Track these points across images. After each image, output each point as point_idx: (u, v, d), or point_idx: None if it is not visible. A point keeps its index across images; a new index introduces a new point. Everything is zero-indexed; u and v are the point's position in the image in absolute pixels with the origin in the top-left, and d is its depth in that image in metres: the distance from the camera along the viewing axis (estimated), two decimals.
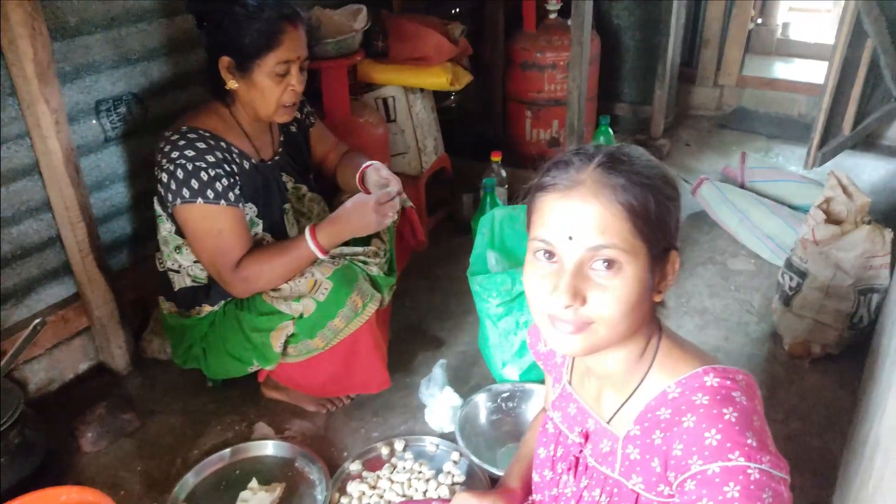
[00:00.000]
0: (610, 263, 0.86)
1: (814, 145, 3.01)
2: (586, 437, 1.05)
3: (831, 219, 2.14)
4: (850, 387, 2.02)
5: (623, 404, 0.99)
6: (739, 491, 0.81)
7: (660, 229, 0.89)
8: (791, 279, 2.16)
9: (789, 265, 2.18)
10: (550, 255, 0.90)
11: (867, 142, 3.52)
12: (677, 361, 0.96)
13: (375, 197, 1.78)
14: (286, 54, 1.70)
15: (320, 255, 1.76)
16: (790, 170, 3.19)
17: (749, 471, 0.82)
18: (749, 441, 0.84)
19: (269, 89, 1.73)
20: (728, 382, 0.90)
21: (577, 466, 1.06)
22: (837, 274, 2.05)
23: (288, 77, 1.73)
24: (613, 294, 0.87)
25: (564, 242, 0.88)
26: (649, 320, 0.96)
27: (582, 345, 0.91)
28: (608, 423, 1.01)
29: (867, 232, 2.02)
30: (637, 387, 0.97)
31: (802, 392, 2.04)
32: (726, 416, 0.86)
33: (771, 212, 2.70)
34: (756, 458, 0.83)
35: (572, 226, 0.87)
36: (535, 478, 1.16)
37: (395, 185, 1.85)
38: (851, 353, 2.12)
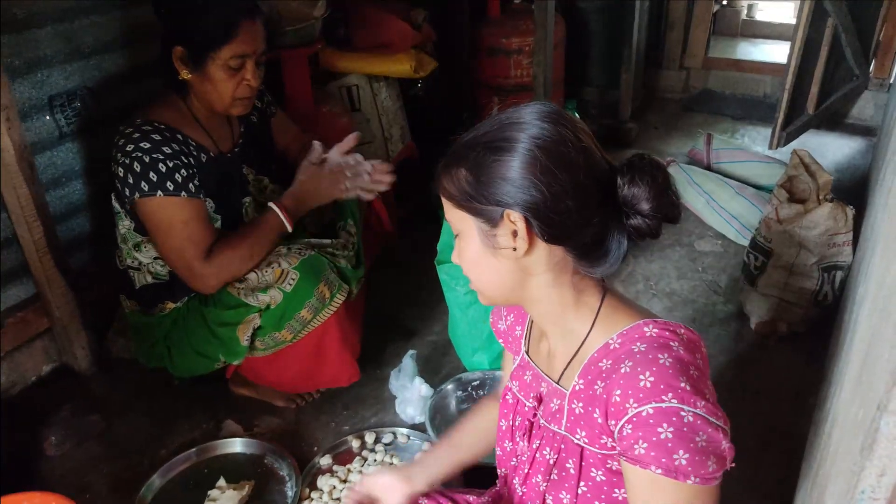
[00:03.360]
0: (457, 235, 1.00)
1: (778, 125, 3.03)
2: (539, 400, 1.07)
3: (795, 198, 2.16)
4: (817, 364, 2.04)
5: (570, 361, 1.01)
6: (672, 432, 0.83)
7: (479, 197, 0.93)
8: (756, 259, 2.18)
9: (754, 245, 2.20)
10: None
11: (831, 120, 3.56)
12: (621, 317, 0.98)
13: (336, 161, 1.82)
14: (241, 48, 1.66)
15: (288, 225, 1.76)
16: (755, 150, 3.22)
17: (682, 413, 0.84)
18: (683, 385, 0.85)
19: (223, 82, 1.69)
20: (667, 333, 0.93)
21: (531, 430, 1.08)
22: (801, 252, 2.07)
23: (243, 71, 1.69)
24: (462, 258, 1.00)
25: None
26: (563, 272, 0.97)
27: (480, 298, 1.04)
28: (557, 381, 1.03)
29: (829, 209, 2.04)
30: (582, 343, 0.99)
31: (769, 371, 2.06)
32: (661, 361, 0.88)
33: (736, 192, 2.72)
34: (690, 401, 0.84)
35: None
36: (497, 451, 1.19)
37: (351, 159, 1.86)
38: (817, 330, 2.14)
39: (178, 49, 1.66)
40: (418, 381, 1.92)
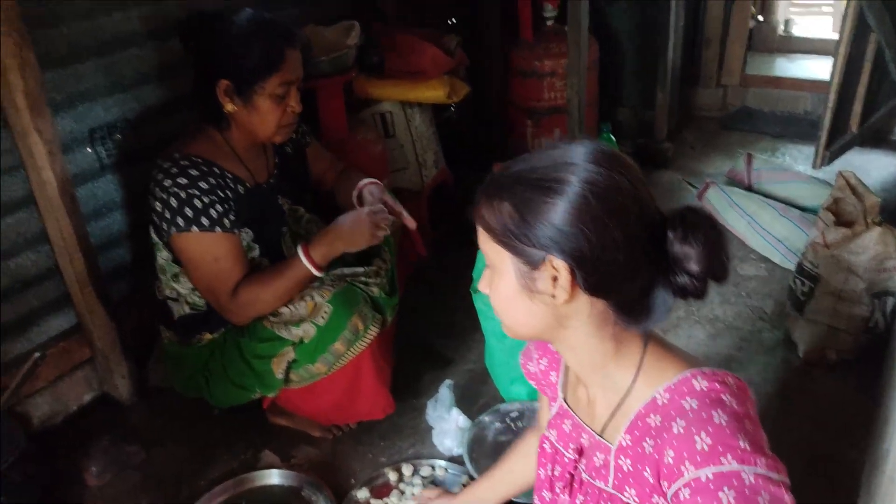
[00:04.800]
0: (491, 266, 0.96)
1: (821, 144, 2.96)
2: (580, 452, 1.03)
3: (841, 220, 2.10)
4: (867, 393, 1.97)
5: (614, 413, 0.97)
6: (735, 497, 0.79)
7: (522, 237, 0.89)
8: (803, 284, 2.11)
9: (800, 270, 2.13)
10: None
11: (876, 138, 3.46)
12: (665, 366, 0.94)
13: (367, 209, 1.77)
14: (287, 76, 1.68)
15: (315, 272, 1.73)
16: (798, 170, 3.14)
17: (743, 475, 0.80)
18: (741, 444, 0.81)
19: (270, 111, 1.70)
20: (717, 385, 0.89)
21: (572, 483, 1.04)
22: (850, 278, 2.00)
23: (287, 98, 1.71)
24: (493, 291, 0.97)
25: None
26: (604, 325, 0.93)
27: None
28: (601, 434, 0.99)
29: (879, 234, 1.97)
30: (626, 394, 0.95)
31: (819, 400, 1.99)
32: (716, 420, 0.84)
33: (780, 214, 2.65)
34: (750, 460, 0.80)
35: None
36: (536, 501, 1.15)
37: (393, 205, 1.84)
38: (868, 358, 2.06)
39: (224, 83, 1.66)
40: (455, 411, 1.89)
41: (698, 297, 0.89)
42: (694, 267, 0.86)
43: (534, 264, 0.89)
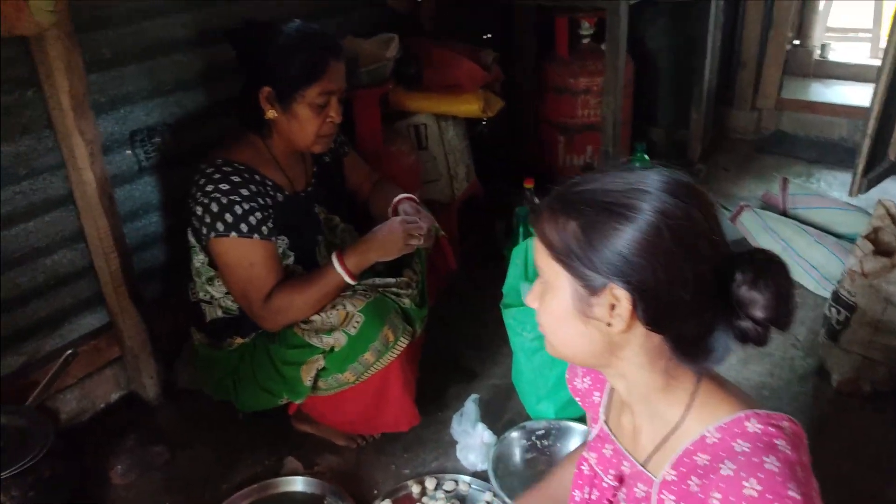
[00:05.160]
0: (545, 282, 0.93)
1: (859, 171, 2.92)
2: (621, 480, 1.01)
3: (880, 249, 2.06)
4: None
5: (660, 446, 0.94)
6: None
7: (584, 260, 0.86)
8: (838, 313, 2.07)
9: (836, 298, 2.10)
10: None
11: None
12: (718, 404, 0.90)
13: (401, 218, 1.79)
14: (328, 86, 1.70)
15: (349, 280, 1.74)
16: (834, 196, 3.09)
17: None
18: (791, 493, 0.78)
19: (309, 120, 1.72)
20: (771, 429, 0.85)
21: None
22: (888, 308, 1.96)
23: (327, 108, 1.73)
24: (543, 308, 0.94)
25: None
26: (657, 359, 0.90)
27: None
28: (644, 464, 0.96)
29: None
30: (675, 428, 0.92)
31: (852, 432, 1.95)
32: (767, 466, 0.81)
33: (815, 240, 2.61)
34: None
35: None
36: None
37: (425, 222, 1.84)
38: None
39: (266, 89, 1.70)
40: (481, 426, 1.87)
41: (759, 344, 0.85)
42: (759, 313, 0.82)
43: (593, 289, 0.86)
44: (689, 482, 0.87)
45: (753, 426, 0.86)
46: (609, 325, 0.87)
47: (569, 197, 0.89)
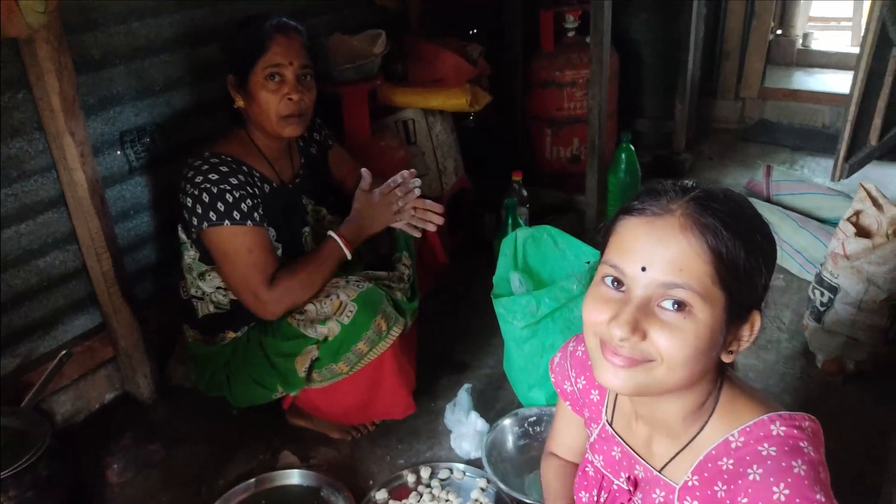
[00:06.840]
0: (680, 305, 0.81)
1: (840, 157, 2.96)
2: (635, 484, 1.00)
3: (861, 232, 2.10)
4: (886, 405, 1.96)
5: (679, 452, 0.94)
6: None
7: (745, 285, 0.83)
8: (822, 295, 2.11)
9: (819, 281, 2.14)
10: (619, 283, 0.85)
11: (895, 151, 3.45)
12: (741, 408, 0.91)
13: (376, 191, 1.85)
14: (274, 59, 1.72)
15: (346, 251, 1.79)
16: (816, 182, 3.14)
17: None
18: (819, 497, 0.80)
19: (266, 100, 1.74)
20: (795, 431, 0.86)
21: None
22: (870, 289, 2.00)
23: (283, 86, 1.74)
24: (679, 335, 0.81)
25: (636, 273, 0.82)
26: (713, 375, 0.91)
27: (630, 382, 0.84)
28: (661, 471, 0.96)
29: None
30: (696, 435, 0.92)
31: (836, 411, 1.98)
32: (795, 470, 0.82)
33: (799, 225, 2.65)
34: None
35: (648, 256, 0.81)
36: None
37: (399, 177, 1.89)
38: (886, 369, 2.06)
39: (230, 77, 1.76)
40: (474, 415, 1.90)
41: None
42: None
43: (742, 317, 0.86)
44: (715, 488, 0.88)
45: (778, 429, 0.87)
46: (731, 350, 0.88)
47: (733, 216, 0.84)
